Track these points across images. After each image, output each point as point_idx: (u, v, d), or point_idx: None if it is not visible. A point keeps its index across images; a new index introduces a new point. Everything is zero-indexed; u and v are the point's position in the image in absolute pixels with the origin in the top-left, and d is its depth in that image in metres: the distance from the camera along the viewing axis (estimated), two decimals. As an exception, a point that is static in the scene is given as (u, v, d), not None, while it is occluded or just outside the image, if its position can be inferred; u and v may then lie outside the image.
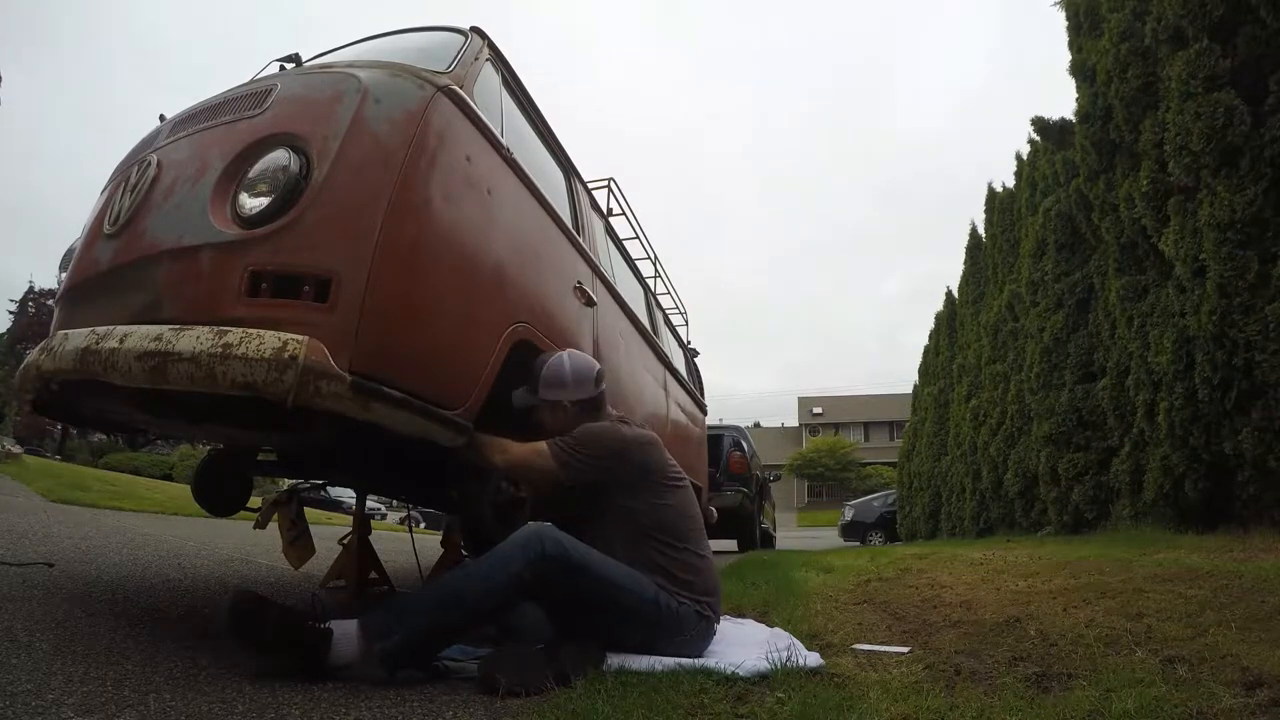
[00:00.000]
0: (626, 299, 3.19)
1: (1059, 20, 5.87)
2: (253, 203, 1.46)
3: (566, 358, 1.88)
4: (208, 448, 2.79)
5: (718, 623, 1.78)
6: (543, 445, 1.73)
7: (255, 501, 2.64)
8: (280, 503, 2.58)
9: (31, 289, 26.28)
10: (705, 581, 1.72)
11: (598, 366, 1.93)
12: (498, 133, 1.91)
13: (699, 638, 1.69)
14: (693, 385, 5.19)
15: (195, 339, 1.32)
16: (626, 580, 1.58)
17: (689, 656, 1.63)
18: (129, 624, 1.64)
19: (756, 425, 43.89)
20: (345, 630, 1.36)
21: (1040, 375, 6.40)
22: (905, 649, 1.84)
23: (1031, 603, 2.44)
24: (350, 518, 3.33)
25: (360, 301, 1.40)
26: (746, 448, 8.27)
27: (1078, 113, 5.57)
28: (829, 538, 13.40)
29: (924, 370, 11.87)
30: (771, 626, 2.10)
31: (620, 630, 1.59)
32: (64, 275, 1.95)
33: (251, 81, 1.88)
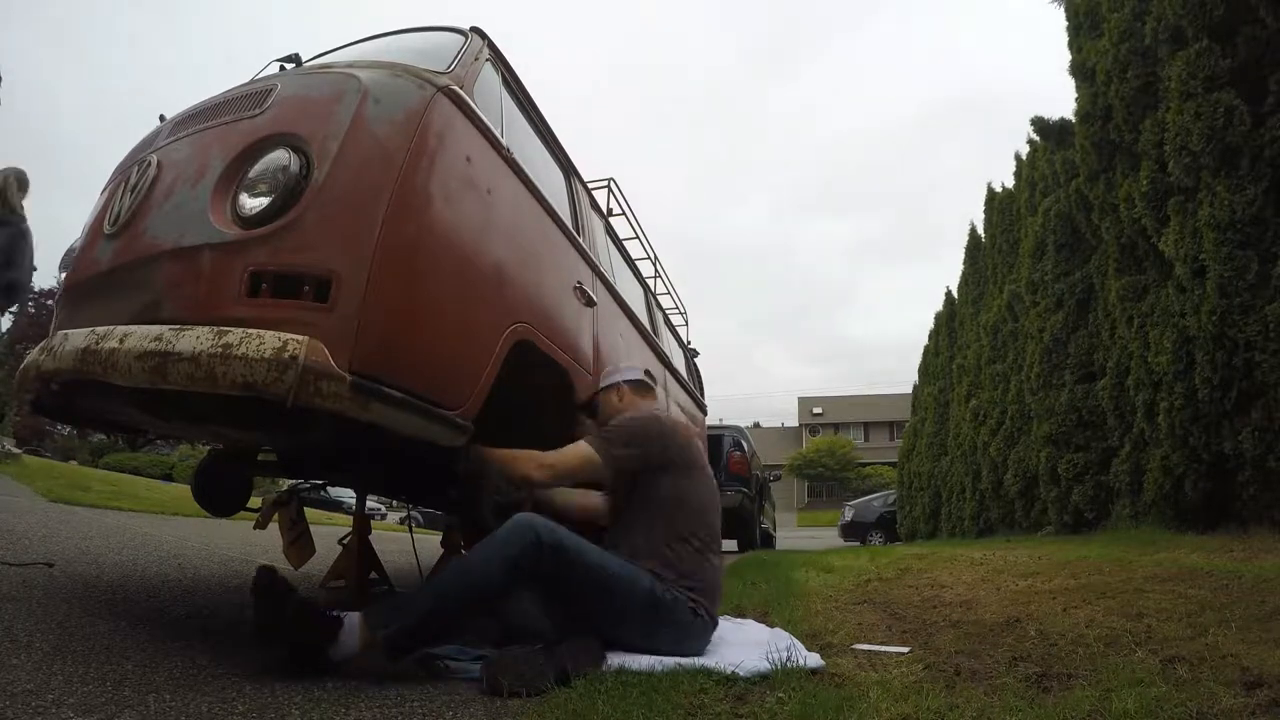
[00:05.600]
0: (626, 299, 3.19)
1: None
2: (253, 203, 1.46)
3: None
4: (208, 448, 2.79)
5: (714, 624, 1.78)
6: (582, 446, 1.78)
7: (255, 501, 2.64)
8: (280, 503, 2.57)
9: (31, 289, 26.28)
10: (704, 579, 1.74)
11: (644, 369, 2.27)
12: (498, 133, 1.91)
13: (693, 631, 1.70)
14: (693, 385, 5.19)
15: (195, 339, 1.32)
16: (619, 567, 1.62)
17: (685, 652, 1.65)
18: (129, 624, 1.64)
19: (756, 425, 43.91)
20: (350, 623, 1.38)
21: (1040, 375, 6.40)
22: (905, 649, 1.84)
23: (1031, 603, 2.44)
24: (350, 518, 3.33)
25: (360, 301, 1.40)
26: (746, 448, 8.29)
27: (1077, 113, 5.56)
28: (829, 538, 13.39)
29: (924, 370, 11.87)
30: (771, 626, 2.10)
31: (614, 617, 1.62)
32: (64, 275, 1.95)
33: (251, 81, 1.88)
